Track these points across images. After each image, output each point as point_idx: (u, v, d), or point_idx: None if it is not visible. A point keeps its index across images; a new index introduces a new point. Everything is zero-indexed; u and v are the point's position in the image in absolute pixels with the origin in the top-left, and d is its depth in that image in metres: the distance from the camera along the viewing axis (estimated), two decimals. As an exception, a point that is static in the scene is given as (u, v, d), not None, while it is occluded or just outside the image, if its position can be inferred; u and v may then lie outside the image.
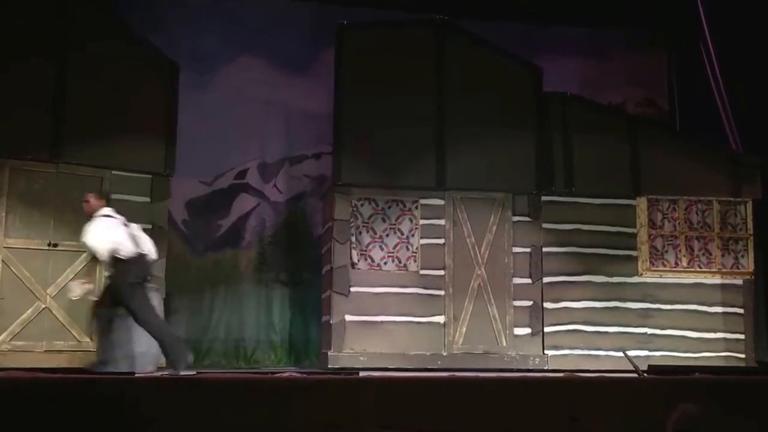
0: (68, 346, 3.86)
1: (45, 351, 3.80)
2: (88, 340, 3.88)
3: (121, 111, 4.09)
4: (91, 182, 4.02)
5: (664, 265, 4.43)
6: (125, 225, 3.37)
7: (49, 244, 3.88)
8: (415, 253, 4.24)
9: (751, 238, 4.50)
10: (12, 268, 3.81)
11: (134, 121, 4.13)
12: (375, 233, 4.23)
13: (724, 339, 4.37)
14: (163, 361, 3.83)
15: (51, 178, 3.95)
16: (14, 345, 3.76)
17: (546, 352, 4.25)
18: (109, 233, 3.27)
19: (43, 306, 3.85)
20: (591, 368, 4.09)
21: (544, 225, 4.37)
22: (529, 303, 4.30)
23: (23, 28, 3.91)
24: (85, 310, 3.87)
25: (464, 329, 4.20)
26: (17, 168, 3.88)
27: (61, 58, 3.95)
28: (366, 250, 4.21)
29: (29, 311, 3.81)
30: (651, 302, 4.38)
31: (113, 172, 4.07)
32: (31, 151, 3.89)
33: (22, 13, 3.93)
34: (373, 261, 4.20)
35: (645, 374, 3.57)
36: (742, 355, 4.35)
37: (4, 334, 3.75)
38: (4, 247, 3.81)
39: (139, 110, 4.17)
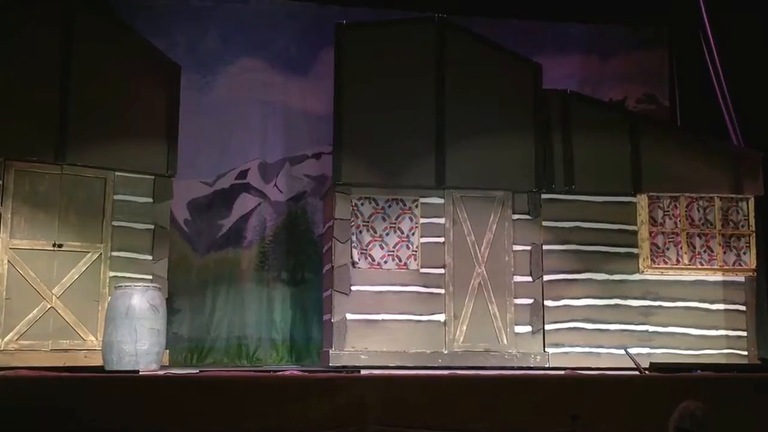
0: (74, 345, 3.90)
1: (51, 350, 3.84)
2: (93, 339, 3.92)
3: (124, 113, 4.12)
4: (94, 183, 4.07)
5: (666, 263, 4.40)
6: None
7: (54, 245, 3.92)
8: (416, 251, 4.24)
9: (753, 234, 4.46)
10: (18, 269, 3.85)
11: (137, 123, 4.17)
12: (375, 232, 4.24)
13: (726, 336, 4.33)
14: (166, 359, 3.87)
15: (55, 179, 3.98)
16: (21, 344, 3.80)
17: (547, 349, 4.24)
18: None
19: (49, 306, 3.89)
20: (592, 366, 4.07)
21: (545, 223, 4.36)
22: (530, 301, 4.29)
23: (27, 32, 3.95)
24: (89, 309, 3.94)
25: (465, 327, 4.20)
26: (22, 170, 3.92)
27: (65, 61, 3.99)
28: (366, 249, 4.22)
29: (35, 311, 3.85)
30: (652, 300, 4.35)
31: (116, 173, 4.11)
32: (35, 153, 3.93)
33: (26, 18, 3.97)
34: (373, 260, 4.21)
35: (646, 372, 3.57)
36: (744, 353, 4.32)
37: (10, 334, 3.80)
38: (10, 248, 3.85)
39: (142, 112, 4.20)
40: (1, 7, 3.95)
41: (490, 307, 4.24)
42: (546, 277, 4.31)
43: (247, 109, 5.19)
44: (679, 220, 4.45)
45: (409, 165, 4.27)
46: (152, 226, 4.18)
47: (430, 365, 4.02)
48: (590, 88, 5.37)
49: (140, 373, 3.25)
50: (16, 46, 3.92)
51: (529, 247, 4.32)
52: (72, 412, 2.68)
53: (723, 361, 4.23)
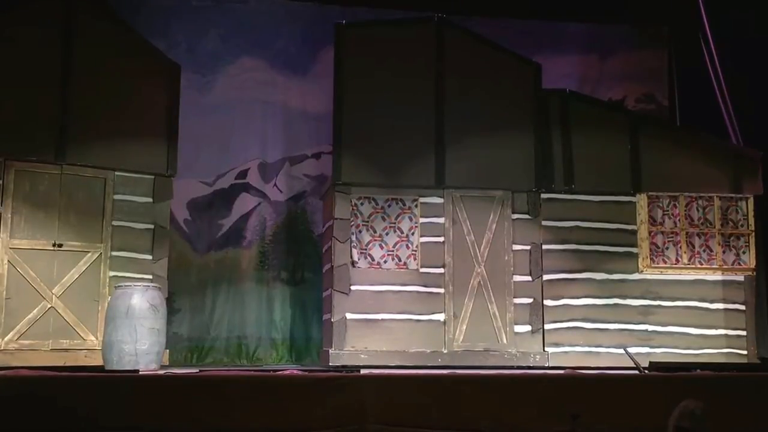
0: (74, 344, 3.91)
1: (51, 350, 3.85)
2: (93, 338, 3.93)
3: (124, 113, 4.13)
4: (94, 183, 4.08)
5: (665, 262, 4.41)
6: None
7: (53, 245, 3.93)
8: (415, 251, 4.25)
9: (753, 234, 4.47)
10: (18, 269, 3.86)
11: (137, 123, 4.18)
12: (375, 232, 4.25)
13: (726, 335, 4.34)
14: (166, 359, 3.88)
15: (55, 179, 3.99)
16: (21, 344, 3.82)
17: (546, 349, 4.25)
18: None
19: (49, 306, 3.90)
20: (592, 365, 4.08)
21: (544, 222, 4.37)
22: (530, 300, 4.30)
23: (27, 32, 3.96)
24: (89, 309, 3.95)
25: (464, 327, 4.21)
26: (22, 170, 3.93)
27: (65, 61, 4.00)
28: (366, 249, 4.23)
29: (35, 311, 3.86)
30: (652, 299, 4.36)
31: (116, 173, 4.12)
32: (35, 153, 3.94)
33: (26, 18, 3.98)
34: (373, 259, 4.22)
35: (646, 371, 3.58)
36: (744, 352, 4.33)
37: (11, 334, 3.81)
38: (10, 248, 3.86)
39: (142, 112, 4.21)
40: (1, 7, 3.96)
41: (489, 307, 4.25)
42: (545, 277, 4.32)
43: (247, 109, 5.20)
44: (679, 220, 4.45)
45: (409, 165, 4.27)
46: (152, 226, 4.19)
47: (429, 365, 4.03)
48: (589, 87, 5.39)
49: (140, 372, 3.26)
50: (16, 46, 3.93)
51: (528, 247, 4.32)
52: (72, 412, 2.69)
53: (722, 360, 4.24)
